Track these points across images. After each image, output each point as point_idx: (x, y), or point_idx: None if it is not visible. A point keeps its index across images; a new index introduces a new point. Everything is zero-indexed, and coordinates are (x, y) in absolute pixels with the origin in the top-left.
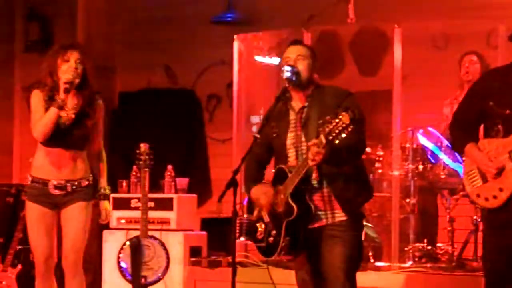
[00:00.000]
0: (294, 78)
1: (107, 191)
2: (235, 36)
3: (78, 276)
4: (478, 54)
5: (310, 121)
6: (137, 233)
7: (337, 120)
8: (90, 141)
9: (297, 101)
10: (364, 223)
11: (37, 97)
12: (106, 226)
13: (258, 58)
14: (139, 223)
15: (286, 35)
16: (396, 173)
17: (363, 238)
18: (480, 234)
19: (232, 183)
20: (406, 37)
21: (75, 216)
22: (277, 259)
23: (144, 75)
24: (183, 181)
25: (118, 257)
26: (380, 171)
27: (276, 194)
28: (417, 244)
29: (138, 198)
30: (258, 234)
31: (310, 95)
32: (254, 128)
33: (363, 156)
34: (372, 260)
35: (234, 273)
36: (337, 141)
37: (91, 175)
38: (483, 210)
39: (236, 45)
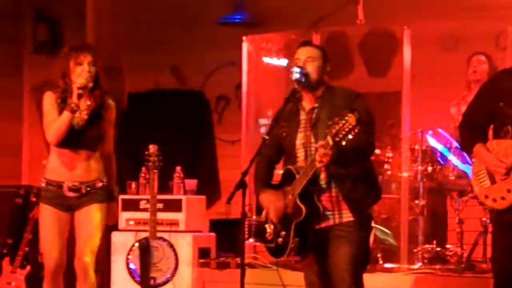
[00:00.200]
0: (303, 80)
1: (115, 193)
2: (243, 38)
3: (90, 278)
4: (487, 55)
5: (320, 122)
6: (146, 234)
7: (343, 122)
8: (103, 141)
9: (307, 102)
10: (375, 225)
11: (49, 99)
12: (115, 228)
13: (267, 60)
14: (148, 225)
15: (294, 37)
16: (405, 174)
17: (371, 239)
18: (489, 236)
19: (241, 185)
20: (415, 38)
21: (89, 218)
22: (286, 261)
23: (153, 76)
24: (191, 183)
25: (127, 259)
26: (389, 172)
27: (285, 195)
28: (426, 246)
29: (147, 200)
30: (267, 235)
31: (320, 96)
32: (263, 130)
33: (372, 158)
34: (381, 262)
35: (243, 275)
36: (344, 142)
37: (105, 176)
38: (492, 212)
39: (244, 46)
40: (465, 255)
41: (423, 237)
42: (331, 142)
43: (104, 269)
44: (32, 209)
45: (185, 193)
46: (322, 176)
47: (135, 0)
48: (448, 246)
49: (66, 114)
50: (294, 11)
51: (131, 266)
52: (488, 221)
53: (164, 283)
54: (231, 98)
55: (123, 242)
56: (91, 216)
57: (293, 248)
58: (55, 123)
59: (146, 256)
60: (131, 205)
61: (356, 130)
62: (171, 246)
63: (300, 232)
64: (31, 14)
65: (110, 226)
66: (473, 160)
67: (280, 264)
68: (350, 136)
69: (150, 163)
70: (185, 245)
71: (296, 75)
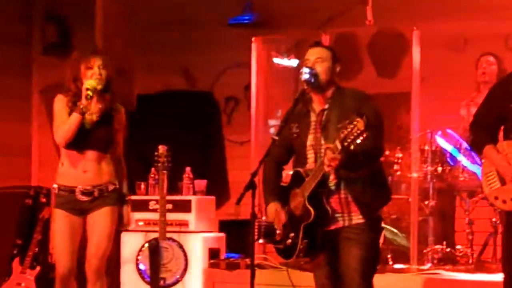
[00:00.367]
0: (312, 80)
1: (127, 197)
2: (253, 38)
3: (100, 281)
4: (495, 56)
5: (330, 124)
6: (156, 235)
7: (352, 126)
8: (113, 145)
9: (317, 103)
10: (385, 226)
11: (61, 102)
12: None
13: (276, 60)
14: (158, 225)
15: (303, 37)
16: (414, 175)
17: (381, 240)
18: (499, 236)
19: (251, 186)
20: (424, 39)
21: (100, 222)
22: (296, 261)
23: (162, 78)
24: (201, 183)
25: (137, 259)
26: (398, 173)
27: (293, 197)
28: (436, 247)
29: (156, 200)
30: (276, 235)
31: (330, 97)
32: (272, 130)
33: (382, 159)
34: (390, 262)
35: (252, 275)
36: (352, 147)
37: (116, 179)
38: (502, 213)
39: (254, 47)
40: (475, 255)
41: (433, 237)
42: (339, 147)
43: (114, 270)
44: (41, 209)
45: (194, 193)
46: (331, 178)
47: (143, 1)
48: (458, 247)
49: (75, 115)
50: (303, 12)
51: (141, 266)
52: (498, 222)
53: (174, 283)
54: (240, 99)
55: (133, 243)
56: (103, 220)
57: (302, 249)
58: (65, 124)
59: (156, 257)
60: (141, 206)
61: (365, 135)
62: (181, 246)
63: (309, 234)
64: (40, 15)
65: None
66: (482, 161)
67: (290, 265)
68: (358, 141)
69: (159, 164)
70: (194, 246)
71: (305, 76)
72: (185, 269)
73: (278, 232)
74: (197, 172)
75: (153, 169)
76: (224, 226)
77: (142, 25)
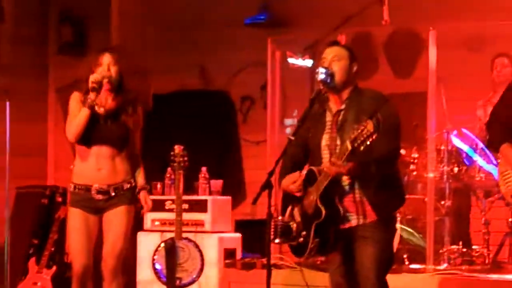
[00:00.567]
0: (328, 80)
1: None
2: (268, 38)
3: (117, 281)
4: (509, 57)
5: (347, 124)
6: (172, 235)
7: (362, 128)
8: (129, 143)
9: (334, 103)
10: (401, 226)
11: (75, 99)
12: (141, 228)
13: (291, 61)
14: (174, 225)
15: (319, 37)
16: (431, 175)
17: (396, 240)
18: None
19: (267, 185)
20: (440, 39)
21: (116, 221)
22: (312, 261)
23: (178, 77)
24: (217, 183)
25: (153, 259)
26: (415, 173)
27: (307, 195)
28: (452, 247)
29: (173, 200)
30: (292, 235)
31: (348, 97)
32: (288, 130)
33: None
34: (407, 263)
35: (269, 275)
36: (362, 148)
37: (132, 178)
38: None
39: (269, 46)
40: (491, 255)
41: (449, 237)
42: (349, 147)
43: (130, 270)
44: (57, 209)
45: (210, 193)
46: (345, 178)
47: (159, 1)
48: (474, 247)
49: (83, 110)
50: (319, 11)
51: (157, 266)
52: None
53: (190, 283)
54: (256, 99)
55: (149, 243)
56: (119, 218)
57: (313, 248)
58: (74, 120)
59: (172, 257)
60: (157, 206)
61: (374, 137)
62: (197, 246)
63: (321, 233)
64: (55, 15)
65: (136, 227)
66: (498, 160)
67: (306, 265)
68: (368, 142)
69: (175, 164)
70: (210, 246)
71: (321, 76)
72: (201, 269)
73: (293, 230)
74: (213, 172)
75: (169, 169)
76: (240, 226)
77: (157, 25)
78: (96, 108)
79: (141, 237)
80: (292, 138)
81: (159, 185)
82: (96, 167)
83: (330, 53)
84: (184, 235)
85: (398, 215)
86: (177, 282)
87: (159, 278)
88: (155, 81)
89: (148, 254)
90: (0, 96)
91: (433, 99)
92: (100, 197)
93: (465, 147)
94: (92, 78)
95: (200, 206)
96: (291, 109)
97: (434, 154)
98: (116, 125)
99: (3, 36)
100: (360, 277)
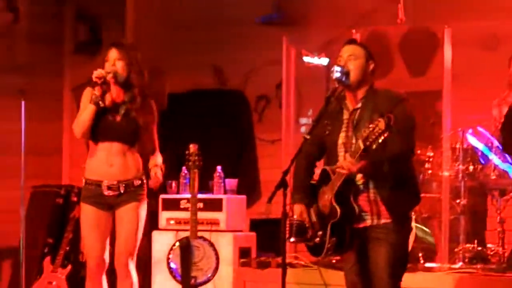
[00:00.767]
0: (343, 79)
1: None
2: (283, 37)
3: (130, 278)
4: None
5: (362, 123)
6: (187, 234)
7: (373, 126)
8: (141, 139)
9: (350, 101)
10: (416, 225)
11: (86, 96)
12: (156, 227)
13: (306, 59)
14: (189, 224)
15: (334, 36)
16: (446, 173)
17: (411, 239)
18: None
19: (282, 184)
20: (456, 37)
21: (127, 218)
22: (327, 260)
23: (193, 76)
24: (232, 182)
25: (168, 258)
26: (430, 171)
27: (322, 195)
28: (467, 245)
29: (188, 199)
30: (307, 233)
31: (364, 96)
32: (303, 129)
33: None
34: (422, 261)
35: (284, 274)
36: (374, 146)
37: (143, 175)
38: None
39: (285, 45)
40: (506, 254)
41: (464, 236)
42: (362, 146)
43: (145, 269)
44: (72, 208)
45: (225, 192)
46: (359, 177)
47: (174, 0)
48: (489, 245)
49: (89, 107)
50: (334, 10)
51: (172, 265)
52: None
53: (205, 282)
54: (271, 98)
55: (164, 242)
56: (130, 216)
57: (330, 248)
58: (80, 117)
59: (187, 256)
60: (172, 205)
61: (386, 135)
62: (212, 245)
63: (337, 232)
64: (71, 14)
65: (151, 226)
66: None
67: (321, 264)
68: (379, 140)
69: (190, 163)
70: (225, 245)
71: (336, 74)
72: (216, 268)
73: (309, 230)
74: (228, 171)
75: (184, 168)
76: (255, 225)
77: (172, 24)
78: (101, 103)
79: (156, 236)
80: (308, 136)
81: (174, 184)
82: (107, 163)
83: (346, 51)
84: (199, 234)
85: (413, 214)
86: (192, 281)
87: (174, 277)
88: (170, 81)
89: (163, 253)
90: (15, 95)
91: (448, 98)
92: (110, 193)
93: (480, 146)
94: (95, 73)
95: (215, 205)
96: (306, 108)
97: (449, 153)
98: (127, 120)
99: (18, 35)
100: (375, 278)
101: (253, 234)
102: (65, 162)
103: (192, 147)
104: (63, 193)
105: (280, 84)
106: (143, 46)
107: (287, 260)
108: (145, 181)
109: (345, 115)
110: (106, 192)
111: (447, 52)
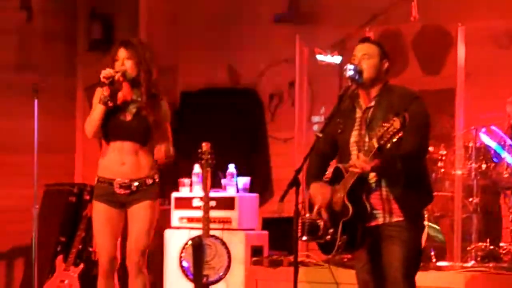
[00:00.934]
0: (356, 77)
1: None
2: (297, 35)
3: (141, 276)
4: None
5: (375, 122)
6: (199, 232)
7: (388, 125)
8: (153, 137)
9: (363, 100)
10: (429, 223)
11: (97, 96)
12: (168, 225)
13: (319, 57)
14: (201, 222)
15: (348, 34)
16: (458, 172)
17: (424, 238)
18: None
19: (294, 183)
20: (469, 35)
21: (139, 216)
22: (338, 259)
23: (206, 75)
24: (244, 180)
25: (180, 256)
26: (442, 170)
27: (334, 193)
28: (479, 244)
29: (200, 198)
30: (319, 232)
31: (378, 94)
32: (316, 127)
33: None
34: (434, 260)
35: (296, 273)
36: (388, 145)
37: (156, 173)
38: None
39: (298, 43)
40: None
41: (477, 235)
42: (376, 145)
43: (158, 267)
44: (85, 207)
45: (238, 191)
46: (371, 175)
47: None
48: (501, 244)
49: (98, 106)
50: (348, 8)
51: (184, 264)
52: None
53: (217, 281)
54: (284, 96)
55: (176, 240)
56: (142, 214)
57: (341, 245)
58: (89, 117)
59: (199, 254)
60: (184, 203)
61: (400, 134)
62: (224, 244)
63: (348, 230)
64: (85, 12)
65: (162, 224)
66: None
67: (333, 262)
68: (394, 140)
69: (203, 161)
70: (237, 243)
71: (349, 72)
72: (228, 267)
73: (321, 228)
74: (240, 169)
75: (196, 166)
76: (267, 223)
77: (185, 22)
78: (109, 103)
79: (168, 234)
80: (320, 135)
81: (186, 182)
82: (119, 161)
83: (360, 50)
84: (211, 232)
85: (425, 212)
86: (204, 279)
87: (186, 275)
88: (182, 79)
89: (175, 251)
90: (29, 93)
91: (461, 96)
92: (122, 191)
93: (493, 144)
94: (103, 73)
95: (228, 204)
96: (319, 106)
97: (462, 151)
98: (138, 119)
99: (32, 33)
100: (388, 278)
101: (265, 232)
102: (78, 161)
103: (205, 146)
104: (76, 191)
105: (293, 82)
106: (156, 44)
107: (299, 259)
108: (157, 180)
109: (358, 114)
110: (118, 190)
111: (461, 50)
